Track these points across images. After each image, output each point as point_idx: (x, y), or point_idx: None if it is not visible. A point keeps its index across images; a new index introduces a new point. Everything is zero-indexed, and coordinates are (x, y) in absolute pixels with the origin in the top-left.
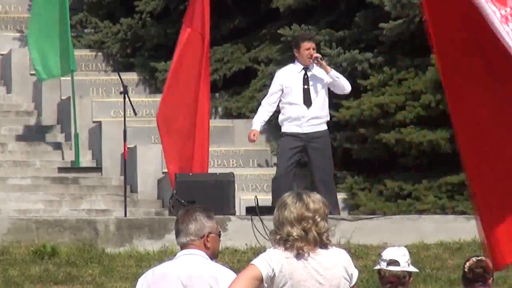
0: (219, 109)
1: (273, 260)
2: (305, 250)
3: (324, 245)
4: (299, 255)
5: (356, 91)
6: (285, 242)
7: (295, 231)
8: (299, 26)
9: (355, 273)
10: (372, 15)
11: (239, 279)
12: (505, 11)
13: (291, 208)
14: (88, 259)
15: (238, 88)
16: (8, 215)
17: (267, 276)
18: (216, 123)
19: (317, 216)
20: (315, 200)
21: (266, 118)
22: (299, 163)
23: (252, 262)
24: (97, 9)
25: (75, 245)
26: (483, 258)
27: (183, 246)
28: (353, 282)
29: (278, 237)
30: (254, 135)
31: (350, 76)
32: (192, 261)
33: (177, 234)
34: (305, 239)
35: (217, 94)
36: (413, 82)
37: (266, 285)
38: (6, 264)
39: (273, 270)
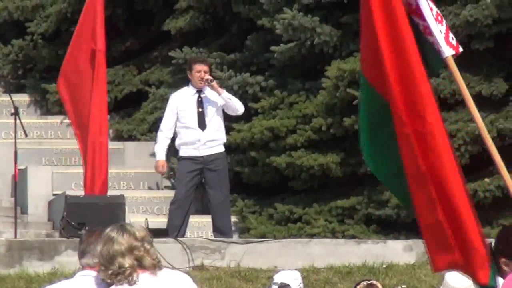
0: (110, 131)
1: None
2: (139, 277)
3: (159, 268)
4: (136, 284)
5: (247, 114)
6: (117, 275)
7: (127, 262)
8: (190, 49)
9: None
10: (263, 38)
11: None
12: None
13: (119, 240)
14: None
15: (129, 110)
16: None
17: None
18: None
19: (146, 244)
20: (139, 228)
21: (167, 144)
22: (197, 186)
23: None
24: None
25: None
26: (373, 282)
27: (86, 267)
28: None
29: (110, 272)
30: (162, 166)
31: (241, 99)
32: (89, 282)
33: (82, 255)
34: (140, 267)
35: (108, 116)
36: (304, 105)
37: None
38: None
39: None
